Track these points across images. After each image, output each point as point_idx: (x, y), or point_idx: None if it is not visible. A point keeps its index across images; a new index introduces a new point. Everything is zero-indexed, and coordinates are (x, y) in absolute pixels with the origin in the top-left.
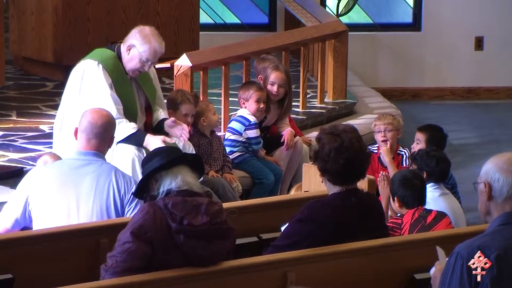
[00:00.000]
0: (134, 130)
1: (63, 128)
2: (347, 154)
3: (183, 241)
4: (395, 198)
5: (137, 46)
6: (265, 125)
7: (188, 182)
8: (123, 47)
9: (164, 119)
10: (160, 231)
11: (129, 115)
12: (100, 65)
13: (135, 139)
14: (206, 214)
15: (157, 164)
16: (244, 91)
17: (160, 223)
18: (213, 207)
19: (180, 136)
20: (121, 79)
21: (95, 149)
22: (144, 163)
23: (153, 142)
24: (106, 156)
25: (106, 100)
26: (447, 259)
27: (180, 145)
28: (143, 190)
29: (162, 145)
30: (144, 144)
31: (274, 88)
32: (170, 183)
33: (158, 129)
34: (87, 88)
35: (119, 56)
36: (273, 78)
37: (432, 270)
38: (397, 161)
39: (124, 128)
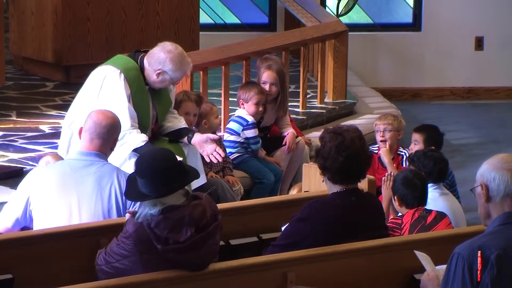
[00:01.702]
0: (142, 144)
1: (74, 128)
2: (347, 152)
3: (172, 258)
4: (395, 197)
5: (169, 73)
6: (263, 126)
7: (168, 201)
8: (149, 67)
9: (185, 129)
10: (146, 253)
11: (142, 126)
12: (122, 75)
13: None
14: (190, 225)
15: (146, 192)
16: (244, 92)
17: (146, 244)
18: (196, 212)
19: (208, 156)
20: (140, 92)
21: (97, 150)
22: (138, 172)
23: (205, 143)
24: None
25: (123, 112)
26: (437, 267)
27: (185, 150)
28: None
29: (214, 145)
30: (193, 142)
31: (266, 87)
32: (152, 207)
33: (174, 136)
34: (106, 95)
35: (141, 68)
36: (265, 77)
37: (425, 276)
38: (397, 161)
39: (134, 139)
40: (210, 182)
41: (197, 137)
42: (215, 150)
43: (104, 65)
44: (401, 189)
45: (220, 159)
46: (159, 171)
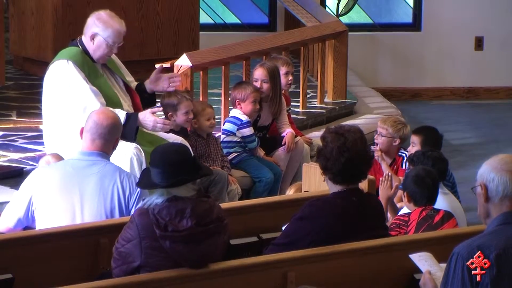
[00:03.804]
0: (125, 117)
1: (53, 134)
2: (348, 154)
3: (169, 247)
4: (405, 193)
5: (100, 33)
6: (261, 125)
7: (176, 193)
8: (86, 39)
9: (139, 84)
10: (146, 239)
11: (113, 103)
12: (70, 62)
13: (129, 126)
14: (192, 218)
15: (157, 181)
16: (239, 92)
17: (147, 229)
18: (200, 207)
19: (168, 87)
20: (93, 72)
21: (99, 150)
22: (151, 161)
23: (144, 119)
24: None
25: (87, 94)
26: (441, 264)
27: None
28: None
29: (152, 118)
30: (138, 123)
31: (257, 85)
32: (159, 196)
33: (141, 92)
34: (65, 88)
35: (84, 50)
36: (256, 75)
37: (422, 279)
38: (397, 163)
39: None
40: (217, 173)
41: (140, 116)
42: (157, 122)
43: (50, 64)
44: (412, 187)
45: (167, 127)
46: (170, 162)
